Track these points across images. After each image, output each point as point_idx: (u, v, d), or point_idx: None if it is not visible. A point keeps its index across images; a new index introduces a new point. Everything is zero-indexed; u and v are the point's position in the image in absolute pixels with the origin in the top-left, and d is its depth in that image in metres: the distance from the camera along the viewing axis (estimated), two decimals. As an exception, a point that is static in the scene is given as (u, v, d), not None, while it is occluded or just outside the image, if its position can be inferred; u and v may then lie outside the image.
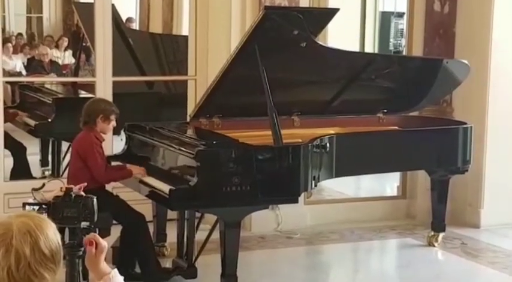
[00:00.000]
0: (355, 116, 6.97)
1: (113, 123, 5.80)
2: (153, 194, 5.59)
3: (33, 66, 10.51)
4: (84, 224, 2.77)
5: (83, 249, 2.74)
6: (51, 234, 2.28)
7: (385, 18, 12.43)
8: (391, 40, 12.54)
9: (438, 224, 7.07)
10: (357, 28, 11.90)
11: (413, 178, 8.05)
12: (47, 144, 8.64)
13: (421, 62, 7.27)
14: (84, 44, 9.03)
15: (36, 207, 2.78)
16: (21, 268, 2.20)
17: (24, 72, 10.84)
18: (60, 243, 2.31)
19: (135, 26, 11.31)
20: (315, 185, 5.77)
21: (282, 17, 5.70)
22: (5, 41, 11.14)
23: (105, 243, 2.66)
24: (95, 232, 2.73)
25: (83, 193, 2.89)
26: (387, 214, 7.96)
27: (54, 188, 2.96)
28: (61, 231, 2.41)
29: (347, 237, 7.40)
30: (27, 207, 2.78)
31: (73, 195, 2.79)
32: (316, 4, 8.22)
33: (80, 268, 2.78)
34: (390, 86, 6.92)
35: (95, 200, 2.80)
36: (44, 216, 2.45)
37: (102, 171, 5.70)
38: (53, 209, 2.75)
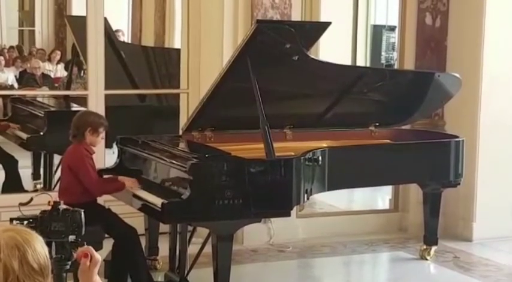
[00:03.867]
0: (347, 129, 6.98)
1: (102, 135, 5.79)
2: (145, 208, 5.58)
3: (25, 79, 10.51)
4: (71, 238, 2.76)
5: (70, 263, 2.73)
6: (39, 248, 2.27)
7: (377, 31, 12.45)
8: (383, 53, 12.55)
9: (430, 238, 7.07)
10: (349, 41, 11.93)
11: (405, 191, 8.06)
12: (39, 158, 8.62)
13: (412, 75, 7.28)
14: (76, 57, 9.03)
15: (24, 222, 2.76)
16: None
17: (16, 85, 10.84)
18: (48, 256, 2.30)
19: (126, 38, 11.33)
20: (307, 198, 5.77)
21: (274, 30, 5.71)
22: (-3, 54, 11.16)
23: (98, 256, 2.65)
24: (83, 245, 2.72)
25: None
26: (379, 227, 7.96)
27: (42, 201, 2.94)
28: (48, 245, 2.40)
29: (339, 250, 7.40)
30: (14, 222, 2.77)
31: (61, 209, 2.78)
32: (308, 18, 8.27)
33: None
34: (382, 99, 6.93)
35: (82, 213, 2.79)
36: (31, 230, 2.43)
37: (95, 184, 5.69)
38: (41, 223, 2.74)
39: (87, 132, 5.67)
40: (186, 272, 5.88)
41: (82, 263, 2.63)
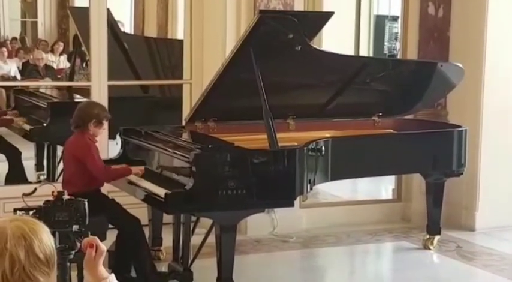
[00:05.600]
0: (350, 119, 6.98)
1: (104, 126, 5.83)
2: (149, 198, 5.59)
3: (28, 70, 10.51)
4: (75, 228, 2.77)
5: (73, 252, 2.74)
6: (45, 238, 2.28)
7: (380, 21, 12.45)
8: (386, 43, 12.56)
9: (433, 227, 7.08)
10: (352, 32, 11.93)
11: (408, 181, 8.06)
12: (42, 149, 8.63)
13: (415, 65, 7.28)
14: (83, 48, 9.03)
15: (29, 212, 2.77)
16: (16, 272, 2.20)
17: (19, 76, 10.84)
18: (54, 247, 2.31)
19: (129, 29, 11.33)
20: (311, 189, 5.77)
21: (276, 20, 5.70)
22: (0, 45, 11.15)
23: (104, 247, 2.67)
24: (87, 235, 2.74)
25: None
26: (383, 217, 7.97)
27: (46, 192, 2.96)
28: (52, 235, 2.42)
29: (343, 240, 7.41)
30: (18, 212, 2.78)
31: (64, 199, 2.79)
32: (311, 8, 8.25)
33: (74, 272, 2.78)
34: (385, 89, 6.93)
35: (86, 203, 2.80)
36: (38, 220, 2.45)
37: (102, 171, 5.71)
38: (45, 213, 2.75)
39: (91, 124, 5.69)
40: (189, 262, 5.90)
41: (87, 254, 2.65)
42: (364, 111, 7.02)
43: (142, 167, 5.84)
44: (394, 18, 11.88)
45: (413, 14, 7.88)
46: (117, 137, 6.57)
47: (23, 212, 2.76)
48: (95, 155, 5.68)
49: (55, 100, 9.04)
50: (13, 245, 2.21)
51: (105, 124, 5.81)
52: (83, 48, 8.80)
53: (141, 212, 6.12)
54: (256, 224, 7.09)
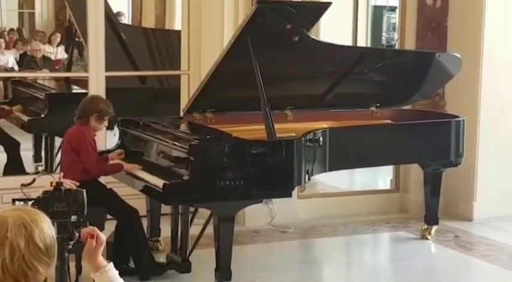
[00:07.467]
0: (349, 109, 6.98)
1: (106, 123, 5.86)
2: (147, 189, 5.60)
3: (26, 61, 10.50)
4: (73, 218, 2.78)
5: (72, 243, 2.75)
6: (46, 228, 2.29)
7: (378, 12, 12.43)
8: (384, 34, 12.54)
9: (431, 217, 7.10)
10: (350, 22, 11.89)
11: (406, 172, 8.07)
12: (40, 140, 8.63)
13: (413, 55, 7.28)
14: (76, 39, 9.02)
15: (28, 203, 2.78)
16: (16, 260, 2.22)
17: (16, 67, 10.82)
18: (55, 237, 2.32)
19: (127, 20, 11.31)
20: (309, 179, 5.78)
21: (274, 11, 5.70)
22: (-3, 36, 11.14)
23: (104, 237, 2.71)
24: (85, 225, 2.75)
25: (72, 185, 2.88)
26: (380, 208, 7.98)
27: (45, 183, 2.96)
28: (51, 225, 2.43)
29: (340, 231, 7.42)
30: (16, 202, 2.79)
31: (63, 190, 2.80)
32: (308, -2, 8.21)
33: (72, 263, 2.79)
34: (383, 79, 6.93)
35: (85, 193, 2.81)
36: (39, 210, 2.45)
37: (94, 164, 5.72)
38: (43, 203, 2.75)
39: (92, 118, 5.72)
40: (187, 253, 5.91)
41: (88, 244, 2.67)
42: (362, 102, 7.02)
43: (136, 165, 5.84)
44: (392, 9, 11.86)
45: (411, 4, 7.87)
46: (115, 128, 6.57)
47: (22, 202, 2.77)
48: (89, 148, 5.70)
49: (53, 91, 9.04)
50: (13, 234, 2.22)
51: (107, 121, 5.84)
52: (77, 39, 8.79)
53: (140, 203, 6.12)
54: (254, 215, 7.11)
